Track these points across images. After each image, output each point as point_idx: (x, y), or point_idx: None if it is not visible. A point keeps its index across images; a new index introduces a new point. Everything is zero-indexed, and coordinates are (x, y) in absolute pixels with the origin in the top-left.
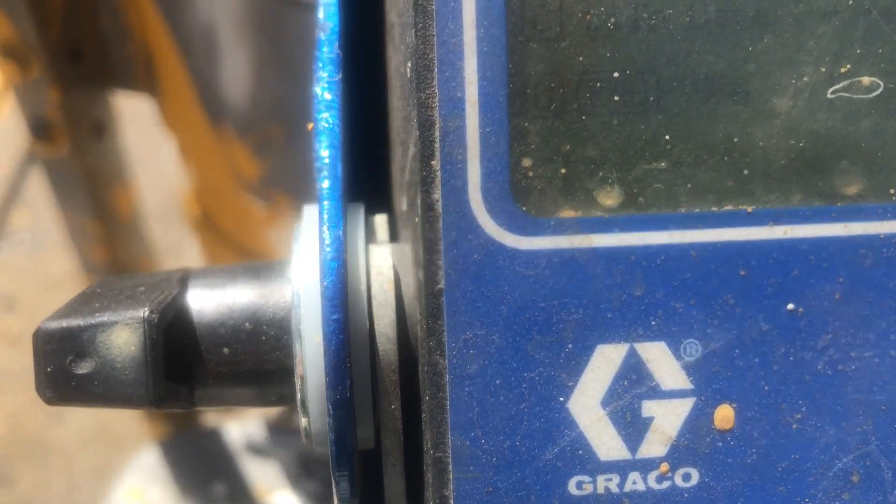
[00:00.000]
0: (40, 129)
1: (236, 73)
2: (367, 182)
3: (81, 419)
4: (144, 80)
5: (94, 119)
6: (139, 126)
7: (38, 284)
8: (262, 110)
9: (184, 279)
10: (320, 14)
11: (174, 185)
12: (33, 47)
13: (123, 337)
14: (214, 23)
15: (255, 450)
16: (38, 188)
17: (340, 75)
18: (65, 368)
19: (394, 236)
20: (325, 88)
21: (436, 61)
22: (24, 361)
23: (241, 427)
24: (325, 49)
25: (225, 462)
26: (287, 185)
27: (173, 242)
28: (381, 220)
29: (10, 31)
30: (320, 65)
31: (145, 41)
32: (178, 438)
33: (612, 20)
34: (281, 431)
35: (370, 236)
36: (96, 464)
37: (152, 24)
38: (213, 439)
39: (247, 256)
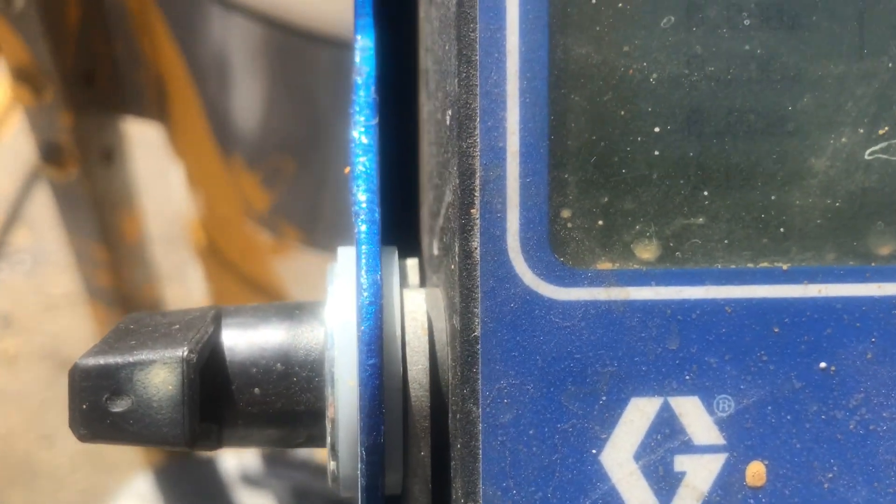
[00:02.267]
0: (50, 153)
1: (248, 103)
2: (395, 224)
3: (73, 444)
4: (156, 107)
5: (104, 144)
6: (148, 152)
7: (37, 305)
8: (273, 142)
9: (217, 317)
10: (357, 58)
11: (181, 212)
12: (47, 72)
13: (162, 376)
14: (228, 53)
15: (250, 480)
16: (40, 208)
17: (377, 119)
18: (100, 406)
19: (422, 280)
20: (362, 132)
21: (478, 111)
22: (18, 383)
23: (236, 457)
24: (361, 93)
25: (220, 491)
26: (295, 217)
27: (178, 270)
28: (412, 264)
29: (25, 56)
30: (357, 108)
31: (158, 68)
32: (173, 466)
33: (654, 76)
34: (276, 463)
35: (402, 280)
36: (86, 488)
37: (165, 52)
38: (209, 468)
39: (251, 286)
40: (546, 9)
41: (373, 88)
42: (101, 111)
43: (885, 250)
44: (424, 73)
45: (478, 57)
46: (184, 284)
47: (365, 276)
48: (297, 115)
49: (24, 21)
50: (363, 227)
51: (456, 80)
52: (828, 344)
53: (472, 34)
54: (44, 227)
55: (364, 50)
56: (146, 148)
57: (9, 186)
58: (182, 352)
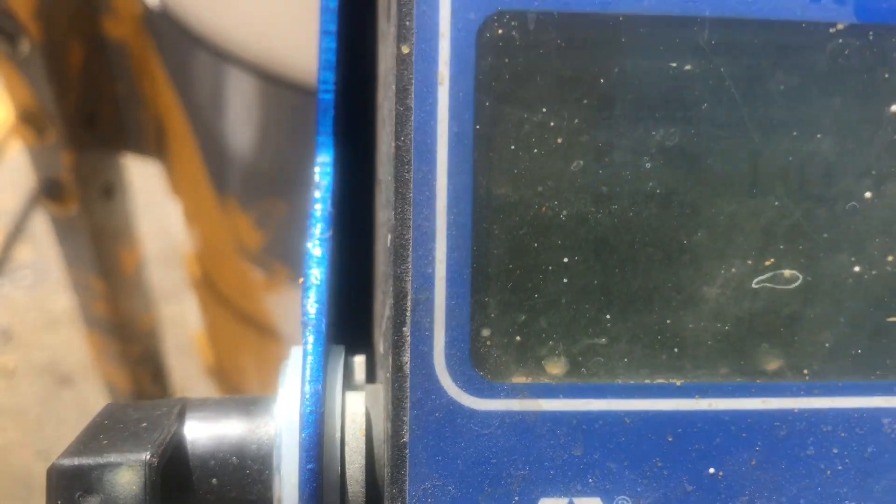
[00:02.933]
0: (51, 190)
1: (241, 147)
2: (354, 311)
3: None
4: (155, 146)
5: (105, 181)
6: (148, 186)
7: (37, 320)
8: (266, 184)
9: (182, 412)
10: (315, 172)
11: (179, 245)
12: (50, 114)
13: (127, 477)
14: (222, 99)
15: None
16: (42, 225)
17: (331, 233)
18: (73, 502)
19: (370, 374)
20: (316, 245)
21: (411, 242)
22: (16, 397)
23: None
24: (318, 206)
25: None
26: (286, 256)
27: (175, 301)
28: (359, 361)
29: (29, 98)
30: (313, 221)
31: (157, 109)
32: None
33: (565, 212)
34: None
35: (349, 378)
36: None
37: (164, 94)
38: None
39: (244, 319)
40: (471, 154)
41: (329, 202)
42: (102, 149)
43: (769, 369)
44: (378, 183)
45: (412, 195)
46: (180, 315)
47: (308, 387)
48: (288, 160)
49: (29, 66)
50: (310, 339)
51: (393, 213)
52: (716, 452)
53: (407, 175)
54: (45, 244)
55: (323, 165)
56: (146, 182)
57: (12, 202)
58: (145, 455)
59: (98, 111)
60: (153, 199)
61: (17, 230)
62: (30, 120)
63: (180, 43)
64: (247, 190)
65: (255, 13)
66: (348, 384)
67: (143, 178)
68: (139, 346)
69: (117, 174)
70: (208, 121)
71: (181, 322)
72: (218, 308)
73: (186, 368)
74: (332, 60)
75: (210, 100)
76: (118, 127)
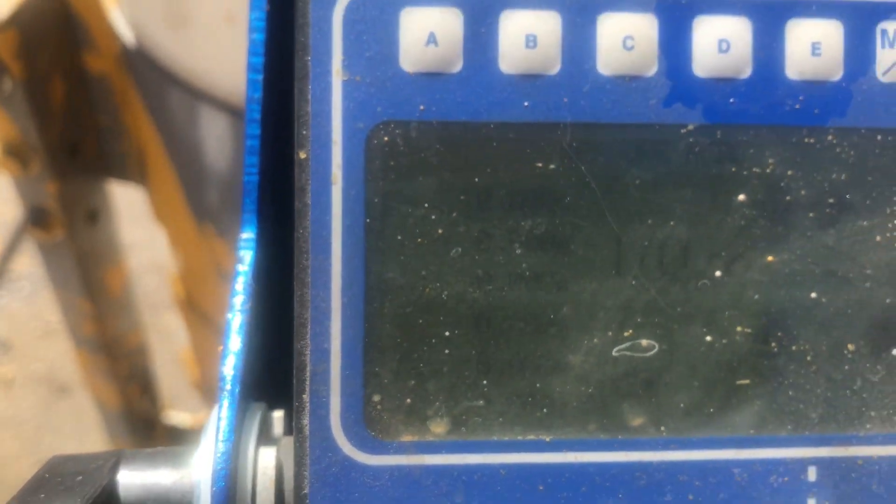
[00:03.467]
0: (37, 218)
1: (217, 179)
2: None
3: None
4: (138, 174)
5: (89, 207)
6: (133, 210)
7: (35, 331)
8: (240, 212)
9: (116, 464)
10: (239, 249)
11: (163, 266)
12: (34, 146)
13: None
14: (198, 131)
15: None
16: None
17: (250, 304)
18: None
19: (289, 427)
20: (235, 315)
21: (309, 320)
22: (14, 407)
23: None
24: (240, 279)
25: None
26: None
27: (164, 318)
28: (278, 416)
29: (13, 132)
30: (234, 292)
31: (138, 141)
32: None
33: (446, 293)
34: None
35: (266, 432)
36: None
37: (144, 127)
38: None
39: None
40: (362, 244)
41: (251, 275)
42: (87, 177)
43: (632, 424)
44: None
45: (310, 280)
46: (166, 333)
47: (220, 445)
48: None
49: (12, 102)
50: (225, 403)
51: (295, 296)
52: (583, 500)
53: (306, 262)
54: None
55: (246, 241)
56: (131, 206)
57: (8, 214)
58: None
59: (81, 142)
60: (141, 219)
61: (14, 242)
62: (14, 153)
63: (156, 80)
64: (222, 217)
65: (224, 54)
66: (265, 438)
67: (129, 201)
68: (127, 362)
69: (102, 200)
70: (185, 152)
71: (170, 338)
72: (201, 326)
73: (175, 383)
74: (255, 146)
75: (186, 133)
76: (101, 156)
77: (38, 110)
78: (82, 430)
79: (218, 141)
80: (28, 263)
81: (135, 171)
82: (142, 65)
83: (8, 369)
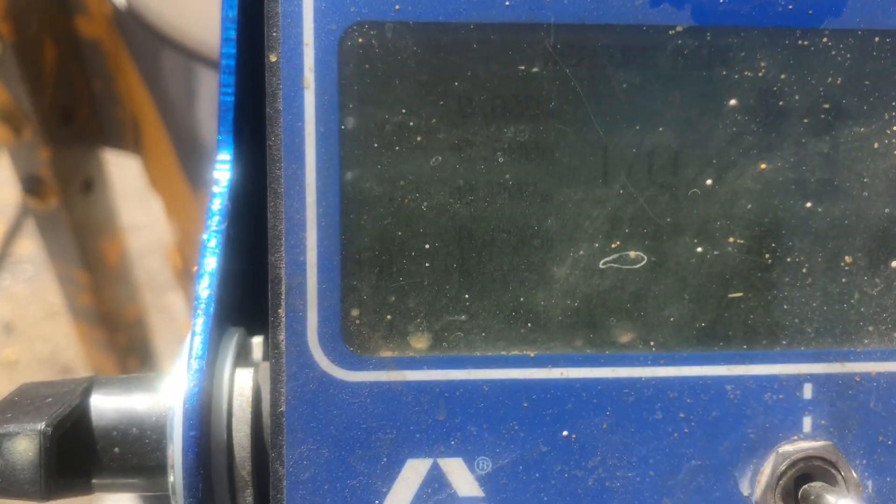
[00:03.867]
0: (31, 186)
1: (213, 141)
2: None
3: None
4: (133, 142)
5: (84, 175)
6: (129, 178)
7: (38, 313)
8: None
9: (88, 389)
10: (214, 170)
11: (161, 236)
12: (26, 112)
13: (23, 444)
14: (193, 95)
15: None
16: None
17: (226, 225)
18: None
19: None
20: (211, 236)
21: (283, 232)
22: None
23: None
24: (216, 200)
25: None
26: None
27: (160, 292)
28: (257, 342)
29: (4, 97)
30: (209, 213)
31: (132, 106)
32: None
33: (426, 203)
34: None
35: (244, 357)
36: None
37: (137, 92)
38: None
39: None
40: (337, 152)
41: (226, 196)
42: (81, 145)
43: (620, 339)
44: None
45: (283, 189)
46: (164, 302)
47: (194, 363)
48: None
49: (2, 66)
50: (199, 321)
51: (268, 207)
52: (569, 417)
53: (279, 171)
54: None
55: (222, 163)
56: (127, 174)
57: (12, 196)
58: (40, 425)
59: (74, 108)
60: (142, 199)
61: (16, 224)
62: (5, 118)
63: (148, 42)
64: None
65: (216, 12)
66: (243, 362)
67: (126, 175)
68: (126, 335)
69: (97, 169)
70: (180, 117)
71: (171, 318)
72: None
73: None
74: (231, 65)
75: (181, 97)
76: (95, 123)
77: (29, 75)
78: None
79: (213, 103)
80: (31, 246)
81: (129, 137)
82: (133, 27)
83: (11, 351)
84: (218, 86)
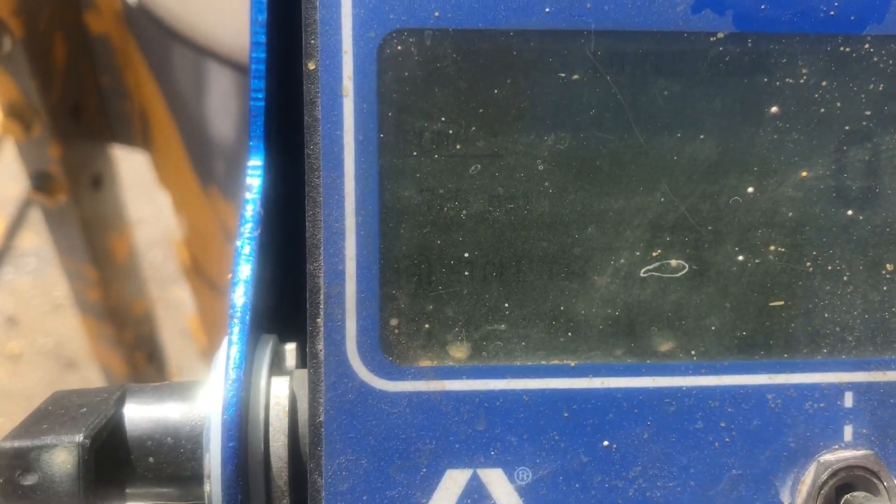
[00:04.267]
0: (40, 182)
1: (222, 140)
2: (294, 300)
3: None
4: (141, 137)
5: (93, 171)
6: (139, 180)
7: (42, 306)
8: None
9: (122, 398)
10: (247, 174)
11: (168, 231)
12: (35, 107)
13: (62, 457)
14: (203, 90)
15: None
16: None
17: (259, 231)
18: (13, 480)
19: (302, 360)
20: (245, 243)
21: (322, 241)
22: (22, 382)
23: None
24: (248, 207)
25: None
26: None
27: (174, 285)
28: (290, 349)
29: (14, 93)
30: (242, 220)
31: (141, 102)
32: None
33: (464, 212)
34: None
35: (278, 364)
36: None
37: (147, 87)
38: None
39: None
40: (376, 161)
41: (259, 203)
42: (89, 140)
43: (661, 348)
44: None
45: (321, 198)
46: (171, 300)
47: (232, 373)
48: None
49: (12, 61)
50: (235, 329)
51: (307, 217)
52: (610, 427)
53: (317, 180)
54: (47, 230)
55: (254, 168)
56: (135, 169)
57: (14, 189)
58: (79, 437)
59: (83, 104)
60: (149, 192)
61: (19, 217)
62: (16, 114)
63: (158, 38)
64: (229, 179)
65: (227, 8)
66: (277, 370)
67: (134, 170)
68: (133, 330)
69: (106, 164)
70: (190, 113)
71: (178, 312)
72: (208, 293)
73: (184, 351)
74: (262, 70)
75: (190, 92)
76: (104, 119)
77: (39, 70)
78: None
79: (223, 99)
80: (34, 239)
81: (138, 133)
82: (143, 22)
83: (15, 344)
84: (248, 90)
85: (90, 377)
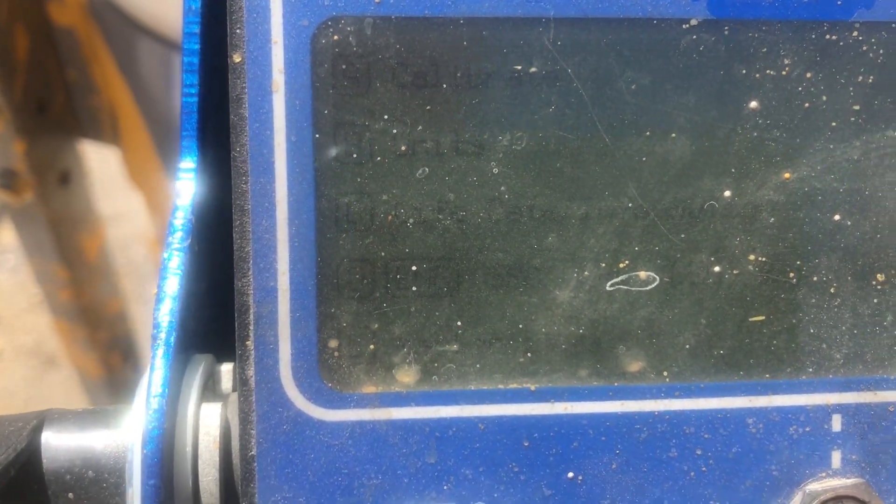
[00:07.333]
0: (5, 180)
1: None
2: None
3: None
4: (111, 133)
5: (61, 168)
6: (110, 166)
7: (21, 303)
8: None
9: (38, 426)
10: (177, 178)
11: (144, 224)
12: None
13: None
14: (172, 85)
15: None
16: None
17: (189, 242)
18: None
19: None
20: (172, 255)
21: (251, 253)
22: (3, 379)
23: None
24: (178, 214)
25: None
26: None
27: (147, 282)
28: (226, 370)
29: None
30: (171, 230)
31: (109, 96)
32: None
33: (411, 221)
34: None
35: (213, 387)
36: None
37: (114, 81)
38: None
39: None
40: (311, 164)
41: (190, 210)
42: (57, 136)
43: (630, 369)
44: None
45: (250, 206)
46: (150, 293)
47: (154, 401)
48: None
49: None
50: (159, 353)
51: (233, 227)
52: (575, 456)
53: (245, 186)
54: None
55: (186, 171)
56: (105, 167)
57: None
58: None
59: (49, 98)
60: (124, 187)
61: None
62: None
63: (125, 30)
64: None
65: None
66: (211, 394)
67: (105, 165)
68: (108, 330)
69: (75, 161)
70: (159, 107)
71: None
72: None
73: None
74: (195, 63)
75: (159, 86)
76: (71, 114)
77: None
78: (71, 402)
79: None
80: (13, 236)
81: (107, 129)
82: (109, 15)
83: None
84: (180, 86)
85: (72, 375)
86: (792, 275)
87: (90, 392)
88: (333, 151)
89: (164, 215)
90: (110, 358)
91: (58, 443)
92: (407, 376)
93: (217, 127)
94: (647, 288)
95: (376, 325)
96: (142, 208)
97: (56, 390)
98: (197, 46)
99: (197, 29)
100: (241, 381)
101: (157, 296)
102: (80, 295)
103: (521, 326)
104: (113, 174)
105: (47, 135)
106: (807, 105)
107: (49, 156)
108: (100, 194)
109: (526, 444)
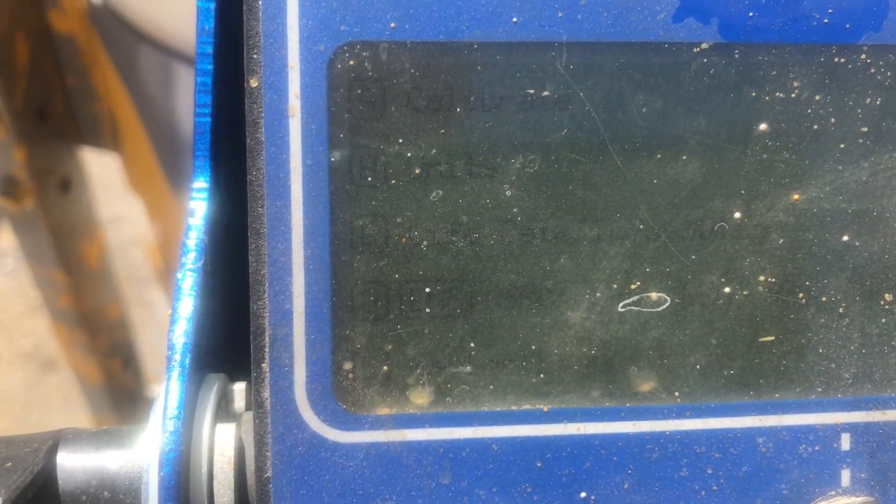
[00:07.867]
0: (5, 187)
1: (193, 141)
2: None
3: None
4: (112, 139)
5: (61, 175)
6: (110, 171)
7: (19, 307)
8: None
9: (54, 447)
10: (190, 197)
11: (143, 229)
12: None
13: None
14: (172, 91)
15: None
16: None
17: (203, 262)
18: None
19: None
20: (186, 275)
21: (267, 277)
22: (3, 383)
23: None
24: (192, 234)
25: None
26: None
27: (146, 287)
28: (238, 389)
29: None
30: (184, 250)
31: (109, 103)
32: None
33: (425, 243)
34: None
35: (226, 407)
36: None
37: (115, 88)
38: None
39: None
40: (327, 187)
41: (203, 230)
42: (57, 143)
43: (642, 389)
44: None
45: (265, 230)
46: (147, 305)
47: (170, 423)
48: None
49: None
50: (174, 374)
51: (250, 250)
52: (587, 476)
53: (261, 209)
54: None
55: (199, 191)
56: (106, 173)
57: None
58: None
59: (49, 105)
60: (122, 191)
61: None
62: None
63: (125, 37)
64: None
65: (193, 9)
66: (224, 414)
67: (106, 171)
68: (107, 337)
69: (75, 167)
70: (159, 114)
71: (155, 313)
72: None
73: (161, 357)
74: (208, 83)
75: (159, 93)
76: (71, 121)
77: (0, 71)
78: (70, 406)
79: (192, 101)
80: (11, 239)
81: (107, 136)
82: (109, 22)
83: None
84: (193, 105)
85: (70, 379)
86: (801, 295)
87: (89, 397)
88: (349, 175)
89: (165, 221)
90: (110, 363)
91: (73, 464)
92: (421, 398)
93: (228, 140)
94: (659, 309)
95: (390, 347)
96: (142, 214)
97: (55, 395)
98: (210, 67)
99: (210, 49)
100: (256, 404)
101: (172, 317)
102: (80, 300)
103: (533, 347)
104: (113, 181)
105: (47, 141)
106: (816, 127)
107: (49, 162)
108: (100, 201)
109: (539, 464)
